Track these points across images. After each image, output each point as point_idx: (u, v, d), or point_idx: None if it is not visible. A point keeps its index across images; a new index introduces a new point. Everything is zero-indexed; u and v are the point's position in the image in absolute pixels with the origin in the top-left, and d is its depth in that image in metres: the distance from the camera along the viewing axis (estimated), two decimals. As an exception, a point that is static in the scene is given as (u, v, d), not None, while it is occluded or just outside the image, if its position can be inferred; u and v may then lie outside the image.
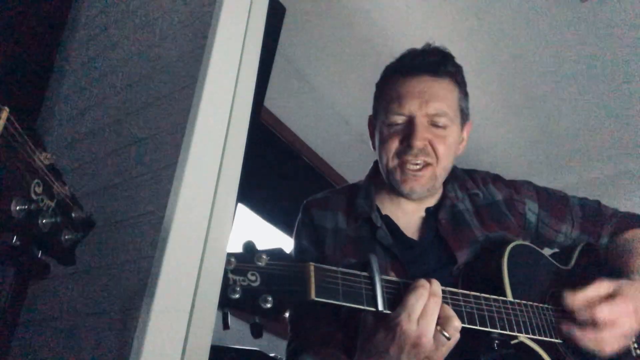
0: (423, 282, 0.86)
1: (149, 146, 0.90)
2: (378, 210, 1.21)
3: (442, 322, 0.84)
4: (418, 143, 1.12)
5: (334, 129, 3.32)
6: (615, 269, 1.14)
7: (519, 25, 2.56)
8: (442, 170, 1.17)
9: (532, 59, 2.74)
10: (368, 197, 1.23)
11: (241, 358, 1.79)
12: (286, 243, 1.29)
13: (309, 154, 3.22)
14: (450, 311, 0.86)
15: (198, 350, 0.71)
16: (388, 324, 0.85)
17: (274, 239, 2.91)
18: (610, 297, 0.98)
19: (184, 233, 0.74)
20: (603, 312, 0.95)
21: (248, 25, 0.92)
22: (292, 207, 1.31)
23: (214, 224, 0.77)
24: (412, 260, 1.14)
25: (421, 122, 1.13)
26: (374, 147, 1.26)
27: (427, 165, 1.15)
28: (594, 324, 0.95)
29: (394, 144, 1.15)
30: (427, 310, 0.84)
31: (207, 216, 0.77)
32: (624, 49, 2.62)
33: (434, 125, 1.14)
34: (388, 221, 1.20)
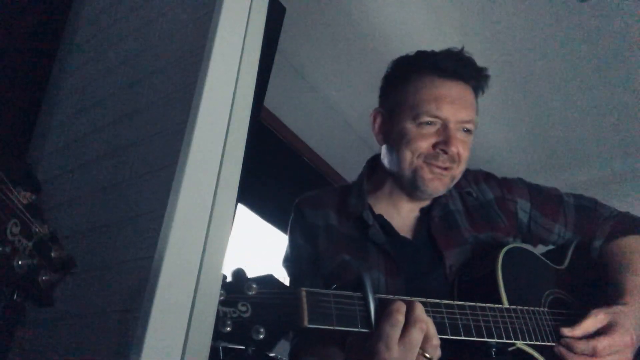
0: (398, 306, 0.83)
1: (149, 146, 0.90)
2: (371, 209, 1.21)
3: (422, 343, 0.82)
4: (454, 150, 1.13)
5: (334, 129, 3.32)
6: (609, 281, 1.13)
7: (518, 25, 2.56)
8: (459, 173, 1.18)
9: (531, 59, 2.74)
10: (360, 196, 1.22)
11: (241, 358, 1.79)
12: (286, 243, 1.31)
13: (309, 154, 3.22)
14: (430, 330, 0.83)
15: (198, 350, 0.71)
16: (368, 353, 0.82)
17: (274, 239, 2.91)
18: (608, 328, 0.98)
19: (184, 233, 0.74)
20: (603, 346, 0.96)
21: (248, 25, 0.92)
22: (292, 207, 1.32)
23: (214, 224, 0.77)
24: (406, 259, 1.13)
25: (455, 128, 1.14)
26: (381, 142, 1.24)
27: (451, 168, 1.16)
28: (594, 356, 0.96)
29: (424, 146, 1.14)
30: (411, 340, 0.80)
31: (207, 216, 0.77)
32: (624, 48, 2.62)
33: (463, 130, 1.16)
34: (381, 220, 1.19)
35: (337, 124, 3.33)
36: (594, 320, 0.99)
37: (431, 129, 1.14)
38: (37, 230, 0.55)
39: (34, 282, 0.55)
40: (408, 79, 1.20)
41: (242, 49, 0.90)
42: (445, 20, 2.58)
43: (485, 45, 2.65)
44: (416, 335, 0.81)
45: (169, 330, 0.69)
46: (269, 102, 2.75)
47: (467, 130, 1.16)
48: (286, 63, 2.92)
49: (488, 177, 1.30)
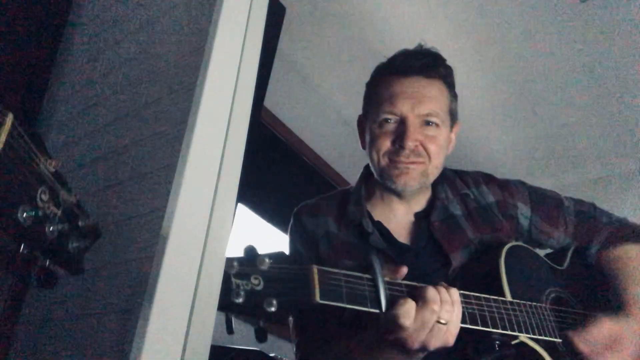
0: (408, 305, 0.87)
1: (149, 146, 0.90)
2: (370, 216, 1.21)
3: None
4: (410, 144, 1.12)
5: (334, 129, 3.32)
6: (611, 289, 1.14)
7: (518, 25, 2.56)
8: (433, 168, 1.17)
9: (531, 59, 2.74)
10: (359, 203, 1.22)
11: (241, 358, 1.79)
12: (286, 243, 1.31)
13: (309, 154, 3.22)
14: (444, 297, 0.88)
15: (198, 350, 0.71)
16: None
17: (274, 239, 2.91)
18: (615, 343, 1.00)
19: (184, 233, 0.74)
20: None
21: (248, 25, 0.92)
22: (292, 208, 1.32)
23: (214, 224, 0.77)
24: (406, 265, 1.14)
25: (413, 122, 1.13)
26: (363, 147, 1.26)
27: (419, 163, 1.15)
28: None
29: (385, 144, 1.15)
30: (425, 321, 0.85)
31: (207, 216, 0.77)
32: (624, 49, 2.62)
33: (426, 124, 1.15)
34: (380, 227, 1.20)
35: (338, 123, 3.33)
36: (600, 330, 1.00)
37: (390, 127, 1.15)
38: (64, 198, 0.55)
39: (64, 249, 0.55)
40: (373, 84, 1.24)
41: (242, 49, 0.90)
42: (446, 20, 2.58)
43: (485, 46, 2.65)
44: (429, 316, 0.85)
45: (169, 330, 0.69)
46: (269, 102, 2.75)
47: (433, 123, 1.15)
48: (286, 63, 2.92)
49: (489, 179, 1.29)
